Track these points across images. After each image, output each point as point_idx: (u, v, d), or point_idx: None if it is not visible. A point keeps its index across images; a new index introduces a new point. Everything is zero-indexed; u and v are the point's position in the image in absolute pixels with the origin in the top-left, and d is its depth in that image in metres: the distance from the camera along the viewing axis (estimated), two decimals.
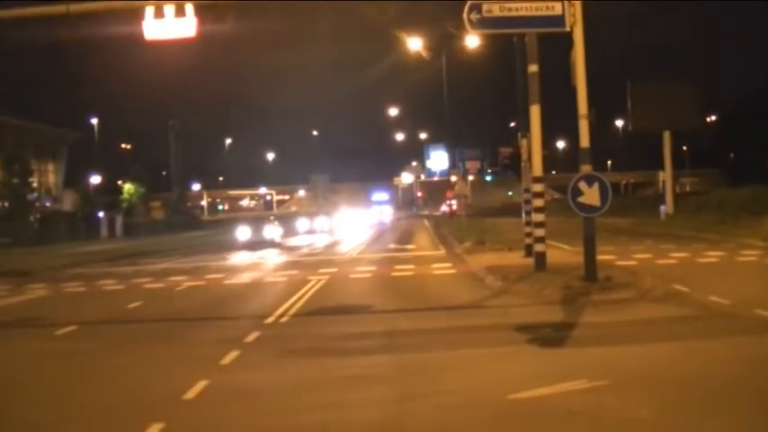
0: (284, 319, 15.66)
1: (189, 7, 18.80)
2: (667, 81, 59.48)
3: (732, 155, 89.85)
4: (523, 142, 25.38)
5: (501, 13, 17.37)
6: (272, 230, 44.62)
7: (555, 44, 19.21)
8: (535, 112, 20.10)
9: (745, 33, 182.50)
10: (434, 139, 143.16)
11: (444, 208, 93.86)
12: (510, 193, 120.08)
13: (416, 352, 12.03)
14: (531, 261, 21.28)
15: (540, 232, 20.51)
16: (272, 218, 49.20)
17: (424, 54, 31.90)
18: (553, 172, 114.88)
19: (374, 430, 8.16)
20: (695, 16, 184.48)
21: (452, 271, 24.01)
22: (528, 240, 23.89)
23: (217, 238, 55.45)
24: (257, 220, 47.47)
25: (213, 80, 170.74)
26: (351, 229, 43.22)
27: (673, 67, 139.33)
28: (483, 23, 17.52)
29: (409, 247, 37.75)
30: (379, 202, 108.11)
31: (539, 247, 20.44)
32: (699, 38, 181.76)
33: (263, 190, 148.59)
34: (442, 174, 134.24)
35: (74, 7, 18.36)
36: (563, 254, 25.52)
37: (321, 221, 54.38)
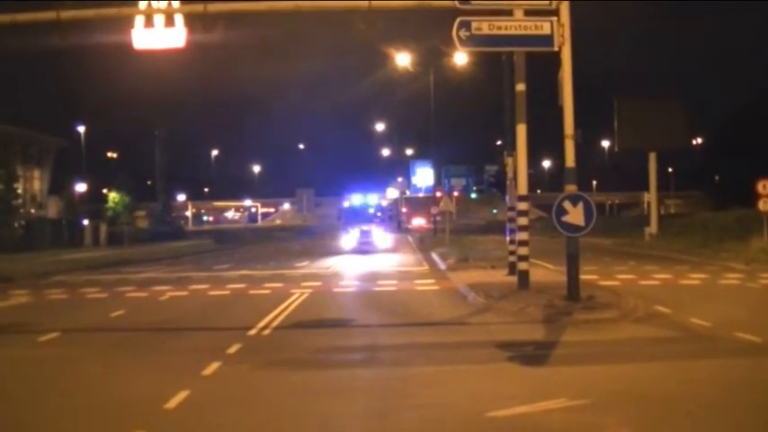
0: (266, 332, 15.60)
1: (178, 17, 18.82)
2: (654, 98, 59.29)
3: (717, 177, 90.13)
4: (509, 160, 25.43)
5: (490, 31, 17.46)
6: None
7: (543, 63, 19.28)
8: (521, 130, 20.15)
9: (729, 56, 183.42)
10: (420, 156, 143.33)
11: (415, 223, 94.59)
12: (494, 211, 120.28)
13: (397, 366, 12.05)
14: (514, 279, 21.30)
15: (523, 250, 20.56)
16: None
17: (413, 69, 32.01)
18: (538, 191, 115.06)
19: None
20: (680, 39, 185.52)
21: (435, 287, 23.98)
22: (511, 258, 23.89)
23: (200, 249, 55.29)
24: None
25: (201, 91, 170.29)
26: None
27: (658, 89, 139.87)
28: (472, 41, 17.60)
29: (393, 262, 37.70)
30: (359, 216, 60.31)
31: (522, 266, 20.48)
32: (685, 60, 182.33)
33: (248, 202, 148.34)
34: (428, 190, 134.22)
35: (64, 14, 18.29)
36: (546, 273, 25.55)
37: None
